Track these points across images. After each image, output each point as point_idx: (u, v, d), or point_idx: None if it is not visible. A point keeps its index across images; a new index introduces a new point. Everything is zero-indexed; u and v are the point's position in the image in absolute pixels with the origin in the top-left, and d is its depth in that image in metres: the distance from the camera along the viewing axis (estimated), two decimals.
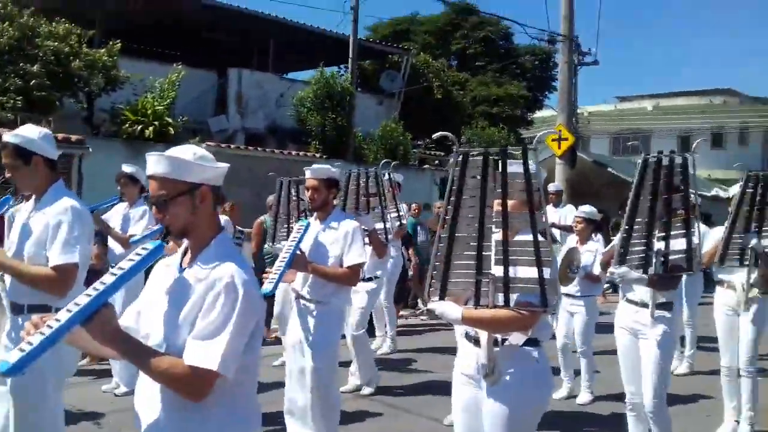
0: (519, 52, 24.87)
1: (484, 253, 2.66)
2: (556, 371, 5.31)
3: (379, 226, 6.03)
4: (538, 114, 33.25)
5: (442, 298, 2.69)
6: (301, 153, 14.16)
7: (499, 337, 2.70)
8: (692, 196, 3.72)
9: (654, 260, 3.67)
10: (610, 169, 15.71)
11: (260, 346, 2.02)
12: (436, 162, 17.73)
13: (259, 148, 13.73)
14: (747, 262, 4.77)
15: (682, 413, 5.27)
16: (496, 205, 2.64)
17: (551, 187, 10.00)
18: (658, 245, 3.67)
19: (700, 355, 7.07)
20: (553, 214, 9.54)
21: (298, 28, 16.67)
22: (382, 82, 19.21)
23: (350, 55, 14.51)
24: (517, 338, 2.69)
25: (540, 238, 2.59)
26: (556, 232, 9.34)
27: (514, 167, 2.64)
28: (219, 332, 1.83)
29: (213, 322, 1.84)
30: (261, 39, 17.11)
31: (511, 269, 2.61)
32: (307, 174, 4.35)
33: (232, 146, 12.55)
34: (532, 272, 2.59)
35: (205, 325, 1.84)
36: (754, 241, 4.67)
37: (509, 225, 2.64)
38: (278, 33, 16.86)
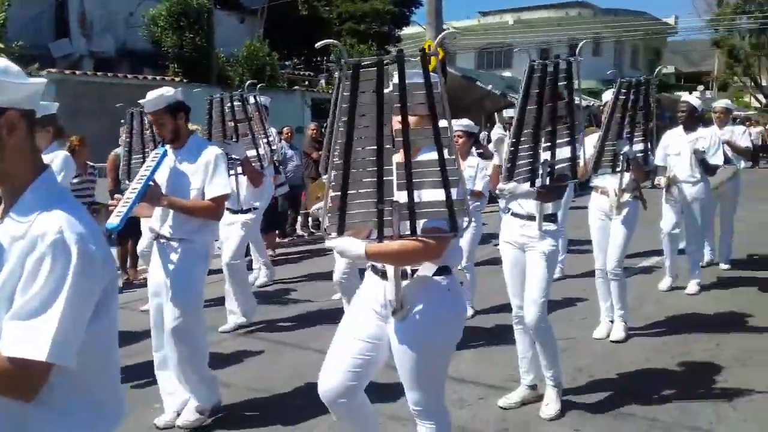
0: None
1: (384, 178, 2.39)
2: None
3: (252, 153, 5.62)
4: (406, 30, 33.06)
5: (340, 233, 2.44)
6: (157, 78, 13.12)
7: (408, 268, 2.50)
8: (577, 102, 3.63)
9: (541, 171, 3.60)
10: (478, 83, 15.88)
11: (115, 312, 1.58)
12: (306, 83, 17.13)
13: (109, 74, 12.54)
14: (619, 168, 4.89)
15: (559, 319, 5.46)
16: (395, 122, 2.37)
17: None
18: (545, 155, 3.59)
19: (570, 258, 7.38)
20: None
21: None
22: None
23: None
24: (427, 269, 2.49)
25: (446, 155, 2.34)
26: None
27: (413, 77, 2.36)
28: (46, 309, 1.38)
29: (38, 296, 1.38)
30: None
31: (415, 193, 2.38)
32: (145, 108, 3.79)
33: (78, 72, 11.32)
34: (438, 194, 2.37)
35: (27, 301, 1.38)
36: (626, 148, 4.76)
37: (411, 143, 2.37)
38: None
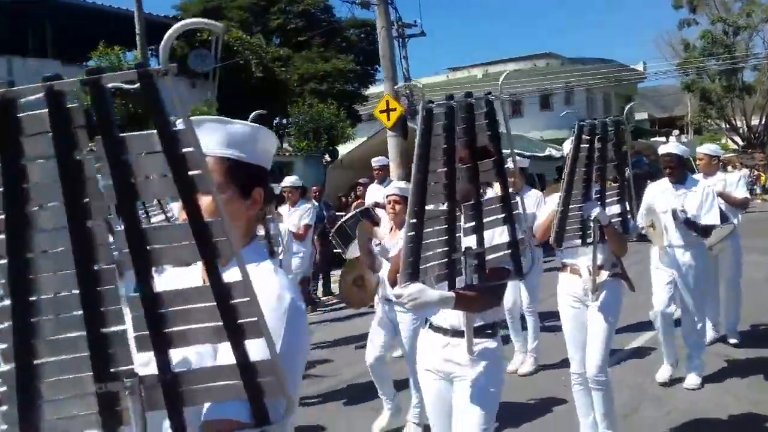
0: (342, 25, 23.62)
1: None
2: None
3: None
4: (374, 89, 32.47)
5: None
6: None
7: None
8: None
9: (462, 265, 2.42)
10: None
11: None
12: None
13: None
14: (591, 239, 3.70)
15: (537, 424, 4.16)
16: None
17: (374, 162, 8.70)
18: (465, 240, 2.42)
19: (548, 339, 6.06)
20: (376, 193, 8.32)
21: (79, 6, 14.24)
22: (191, 62, 17.12)
23: (137, 31, 12.35)
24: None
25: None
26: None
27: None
28: None
29: None
30: (37, 23, 14.48)
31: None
32: None
33: None
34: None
35: None
36: (596, 211, 3.59)
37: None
38: (56, 14, 14.32)
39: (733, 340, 5.98)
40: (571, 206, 3.63)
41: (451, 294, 2.36)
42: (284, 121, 18.86)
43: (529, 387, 5.25)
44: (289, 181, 7.18)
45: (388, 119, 13.81)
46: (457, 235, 2.38)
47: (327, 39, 22.18)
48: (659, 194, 5.17)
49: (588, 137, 3.53)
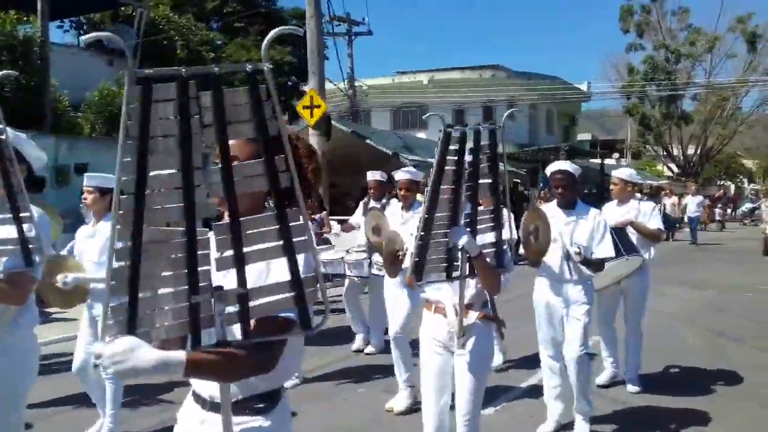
0: (284, 15, 22.70)
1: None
2: None
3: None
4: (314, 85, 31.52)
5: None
6: None
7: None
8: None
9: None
10: (369, 141, 14.14)
11: None
12: None
13: None
14: (457, 273, 3.00)
15: None
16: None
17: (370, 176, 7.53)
18: None
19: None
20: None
21: None
22: (110, 37, 15.88)
23: None
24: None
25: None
26: None
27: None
28: None
29: None
30: None
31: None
32: None
33: None
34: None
35: None
36: (464, 239, 2.90)
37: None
38: None
39: (633, 389, 5.40)
40: (434, 232, 2.93)
41: (180, 358, 1.56)
42: None
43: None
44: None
45: (311, 116, 13.02)
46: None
47: (265, 27, 21.16)
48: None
49: (457, 147, 2.83)
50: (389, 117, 35.54)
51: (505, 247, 3.08)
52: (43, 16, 11.26)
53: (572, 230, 4.35)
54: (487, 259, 3.03)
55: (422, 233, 2.89)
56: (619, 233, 5.25)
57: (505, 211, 3.04)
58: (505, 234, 3.07)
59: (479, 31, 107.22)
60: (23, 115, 11.17)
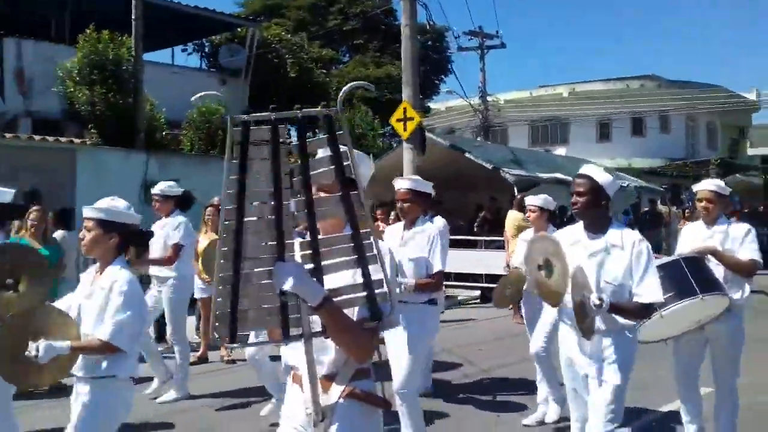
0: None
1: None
2: None
3: None
4: (441, 104, 30.77)
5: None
6: (74, 141, 11.09)
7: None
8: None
9: None
10: (468, 156, 13.04)
11: None
12: None
13: (7, 135, 10.55)
14: (297, 330, 2.01)
15: None
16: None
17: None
18: None
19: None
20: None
21: None
22: (221, 58, 16.21)
23: (133, 15, 11.42)
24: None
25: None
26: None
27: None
28: None
29: None
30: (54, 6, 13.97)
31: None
32: None
33: None
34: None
35: None
36: (289, 282, 1.93)
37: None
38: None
39: None
40: (247, 268, 1.97)
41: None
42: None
43: None
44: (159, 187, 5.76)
45: (405, 129, 12.21)
46: None
47: (384, 44, 20.78)
48: (567, 248, 3.34)
49: (260, 140, 1.87)
50: (527, 132, 33.84)
51: (382, 289, 2.04)
52: (137, 36, 11.46)
53: (599, 262, 3.25)
54: (350, 309, 2.02)
55: (227, 272, 1.95)
56: (694, 264, 3.93)
57: (382, 237, 2.04)
58: (379, 269, 2.03)
59: (626, 38, 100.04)
60: (116, 133, 11.44)
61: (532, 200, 5.70)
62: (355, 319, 2.05)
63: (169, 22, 15.54)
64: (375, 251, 2.01)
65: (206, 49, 18.13)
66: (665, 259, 3.99)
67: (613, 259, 3.21)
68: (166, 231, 5.68)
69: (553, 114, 31.84)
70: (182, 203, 5.85)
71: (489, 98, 27.96)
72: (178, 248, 5.64)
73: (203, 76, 16.56)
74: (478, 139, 25.91)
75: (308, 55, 17.50)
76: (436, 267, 4.22)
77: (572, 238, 3.35)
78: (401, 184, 4.40)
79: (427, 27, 15.93)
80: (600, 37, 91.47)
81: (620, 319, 3.21)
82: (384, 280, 2.04)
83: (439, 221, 6.37)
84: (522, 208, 11.90)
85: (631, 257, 3.18)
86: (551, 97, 32.20)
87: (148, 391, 5.58)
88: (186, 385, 5.62)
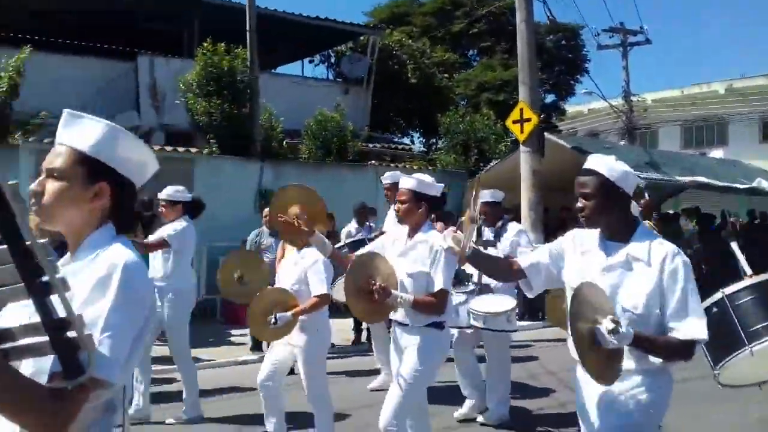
0: (538, 30, 21.18)
1: None
2: None
3: None
4: (592, 105, 29.05)
5: None
6: (191, 150, 11.54)
7: None
8: None
9: None
10: None
11: None
12: (388, 157, 14.62)
13: (156, 146, 11.12)
14: None
15: None
16: None
17: (385, 179, 6.55)
18: None
19: None
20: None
21: (231, 8, 14.12)
22: (343, 67, 16.32)
23: (248, 27, 11.67)
24: None
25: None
26: None
27: None
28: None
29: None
30: (187, 22, 14.76)
31: None
32: None
33: None
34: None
35: None
36: None
37: None
38: (209, 14, 14.41)
39: None
40: None
41: None
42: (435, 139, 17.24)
43: None
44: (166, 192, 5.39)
45: (522, 131, 11.47)
46: None
47: (512, 45, 19.99)
48: (575, 261, 2.59)
49: None
50: (679, 134, 31.27)
51: (69, 334, 1.37)
52: (252, 47, 11.72)
53: (615, 282, 2.44)
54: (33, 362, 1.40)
55: None
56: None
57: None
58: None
59: None
60: (233, 142, 11.75)
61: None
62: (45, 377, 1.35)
63: (295, 35, 15.94)
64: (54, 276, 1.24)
65: (332, 60, 18.39)
66: (764, 276, 3.15)
67: (635, 278, 2.40)
68: (163, 231, 5.22)
69: (708, 113, 29.18)
70: (192, 209, 5.37)
71: (633, 98, 26.13)
72: (161, 242, 5.11)
73: (325, 85, 16.76)
74: (622, 142, 24.26)
75: (430, 60, 17.16)
76: (438, 285, 3.44)
77: (583, 246, 2.57)
78: (402, 183, 3.70)
79: (547, 23, 14.98)
80: (761, 26, 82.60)
81: (651, 358, 2.39)
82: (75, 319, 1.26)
83: (514, 227, 5.71)
84: (650, 213, 10.77)
85: (661, 276, 2.37)
86: (706, 94, 29.52)
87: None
88: (199, 406, 5.30)
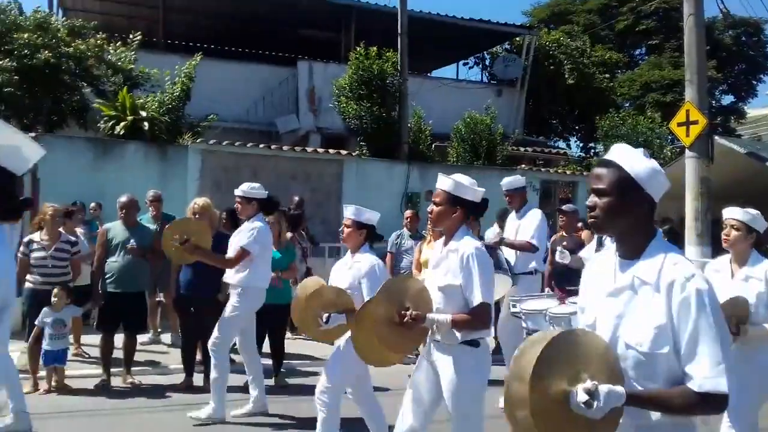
0: (714, 25, 19.48)
1: None
2: None
3: None
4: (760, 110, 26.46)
5: None
6: (332, 151, 11.84)
7: None
8: None
9: None
10: None
11: None
12: (541, 162, 14.08)
13: (261, 146, 11.54)
14: None
15: None
16: None
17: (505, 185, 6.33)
18: None
19: None
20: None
21: (387, 12, 14.39)
22: (496, 68, 15.99)
23: (399, 31, 11.75)
24: None
25: None
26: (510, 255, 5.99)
27: None
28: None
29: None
30: (344, 27, 15.23)
31: None
32: None
33: (225, 143, 10.73)
34: None
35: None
36: None
37: None
38: (364, 19, 14.79)
39: None
40: None
41: None
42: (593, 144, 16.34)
43: None
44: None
45: (687, 134, 10.50)
46: None
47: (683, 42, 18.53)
48: (588, 285, 2.14)
49: None
50: None
51: None
52: (402, 50, 11.80)
53: (621, 311, 1.96)
54: None
55: None
56: None
57: None
58: None
59: None
60: (382, 145, 11.92)
61: (732, 213, 3.78)
62: None
63: (448, 38, 15.89)
64: None
65: (486, 62, 18.13)
66: None
67: (641, 307, 1.89)
68: (241, 235, 5.13)
69: None
70: (266, 207, 5.30)
71: None
72: (242, 253, 5.04)
73: (478, 88, 16.52)
74: None
75: (589, 59, 16.34)
76: (477, 299, 3.03)
77: (601, 265, 2.08)
78: (438, 184, 3.25)
79: (720, 16, 13.66)
80: None
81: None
82: None
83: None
84: None
85: (670, 305, 1.84)
86: None
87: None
88: (223, 406, 5.09)
